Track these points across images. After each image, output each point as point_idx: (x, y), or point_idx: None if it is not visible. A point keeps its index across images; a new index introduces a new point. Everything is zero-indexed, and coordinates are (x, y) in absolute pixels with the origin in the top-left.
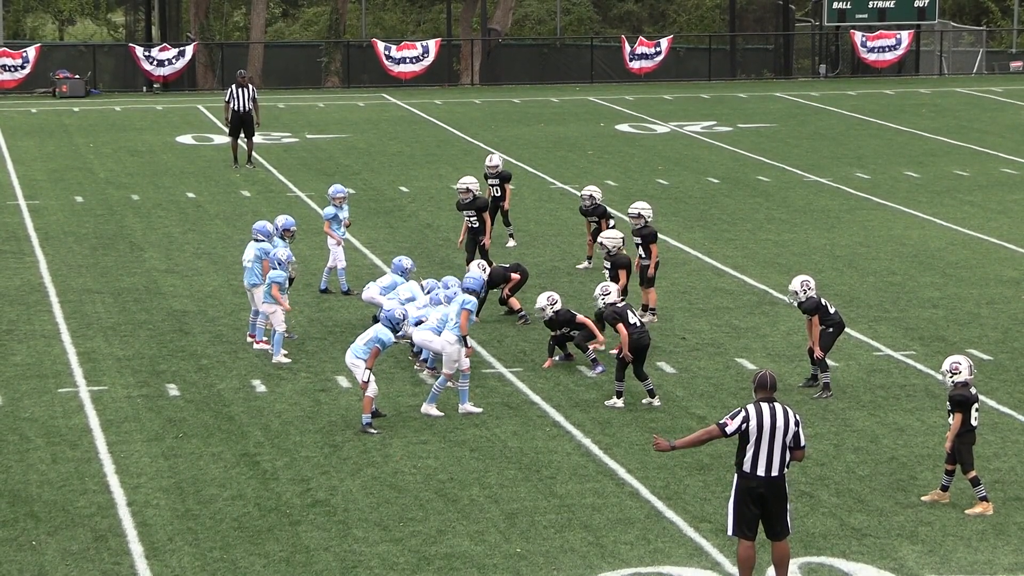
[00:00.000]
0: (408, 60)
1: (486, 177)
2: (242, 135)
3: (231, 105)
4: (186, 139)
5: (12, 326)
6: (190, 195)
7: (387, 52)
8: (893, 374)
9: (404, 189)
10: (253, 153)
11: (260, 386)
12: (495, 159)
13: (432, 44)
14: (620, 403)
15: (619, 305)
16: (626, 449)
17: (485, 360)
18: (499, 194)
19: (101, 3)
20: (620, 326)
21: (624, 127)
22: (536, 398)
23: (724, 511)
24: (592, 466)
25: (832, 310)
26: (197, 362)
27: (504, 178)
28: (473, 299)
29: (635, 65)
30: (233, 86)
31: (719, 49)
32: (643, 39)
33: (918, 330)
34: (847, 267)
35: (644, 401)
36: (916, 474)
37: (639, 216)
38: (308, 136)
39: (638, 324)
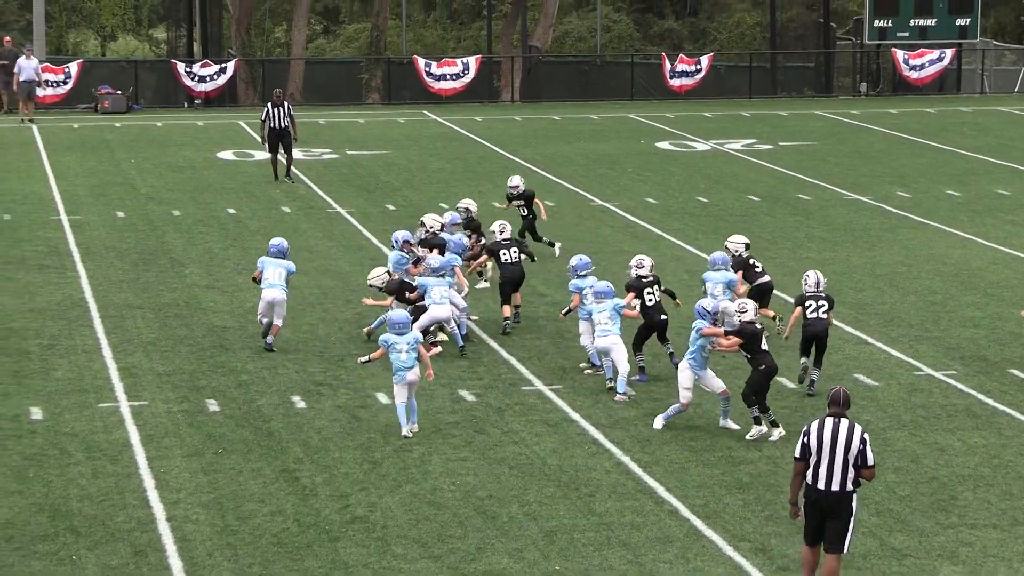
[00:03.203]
0: (449, 77)
1: (510, 199)
2: (280, 150)
3: (267, 124)
4: (227, 155)
5: (54, 341)
6: (231, 211)
7: (428, 69)
8: (934, 394)
9: (444, 206)
10: (292, 168)
11: (300, 402)
12: (516, 179)
13: (472, 61)
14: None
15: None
16: (665, 467)
17: (525, 377)
18: (526, 214)
19: (143, 19)
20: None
21: (664, 145)
22: (575, 416)
23: (763, 530)
24: (631, 484)
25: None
26: (237, 378)
27: (529, 197)
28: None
29: (676, 82)
30: (269, 105)
31: (760, 67)
32: (684, 56)
33: (959, 350)
34: (888, 286)
35: (634, 377)
36: (957, 494)
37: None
38: (349, 152)
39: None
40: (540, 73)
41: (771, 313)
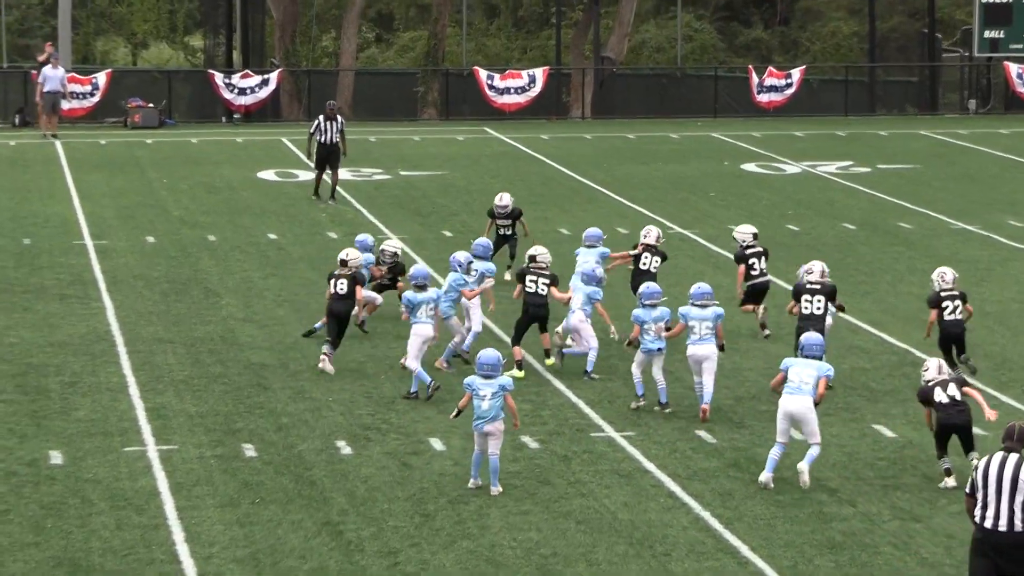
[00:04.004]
0: (512, 90)
1: (494, 217)
2: (327, 168)
3: (316, 137)
4: (268, 175)
5: (76, 378)
6: (272, 236)
7: (490, 81)
8: None
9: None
10: (337, 188)
11: (345, 448)
12: (506, 198)
13: (539, 73)
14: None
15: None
16: (749, 524)
17: (594, 423)
18: (510, 233)
19: (178, 26)
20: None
21: (750, 166)
22: (650, 465)
23: None
24: (711, 542)
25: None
26: (276, 420)
27: (516, 216)
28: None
29: (763, 98)
30: (321, 117)
31: (857, 81)
32: (772, 69)
33: None
34: (998, 324)
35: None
36: None
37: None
38: (401, 172)
39: None
40: (613, 87)
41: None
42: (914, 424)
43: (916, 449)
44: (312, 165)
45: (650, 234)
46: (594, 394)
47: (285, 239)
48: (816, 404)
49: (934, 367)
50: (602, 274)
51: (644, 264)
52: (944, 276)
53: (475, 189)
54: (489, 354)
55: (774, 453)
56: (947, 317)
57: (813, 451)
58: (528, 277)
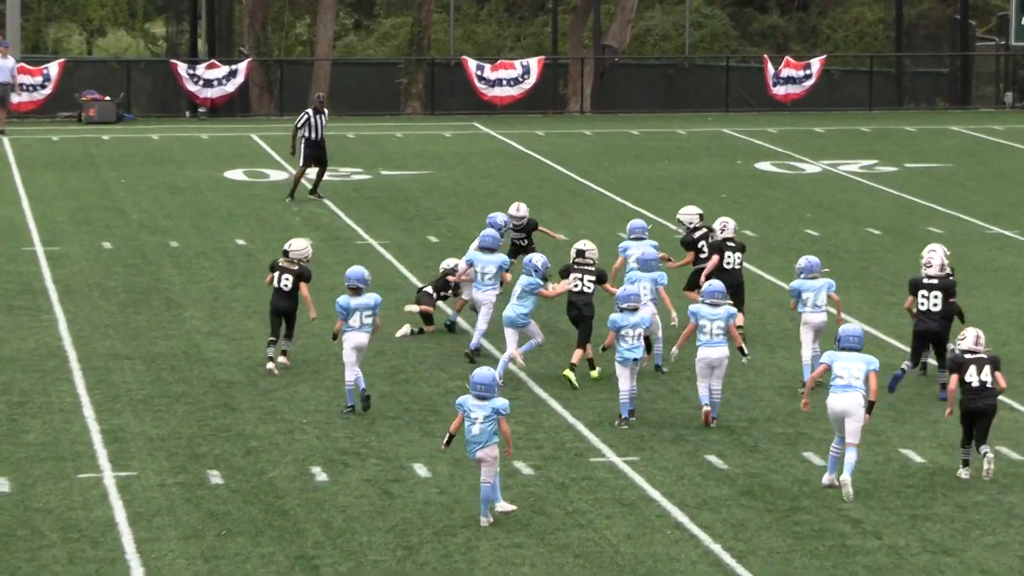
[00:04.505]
0: (505, 82)
1: (512, 228)
2: (313, 166)
3: (303, 133)
4: (236, 174)
5: (25, 398)
6: (240, 242)
7: (479, 72)
8: None
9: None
10: (321, 183)
11: (320, 474)
12: (523, 208)
13: (534, 63)
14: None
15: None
16: (764, 558)
17: (594, 447)
18: (527, 244)
19: (138, 11)
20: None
21: (765, 165)
22: (655, 494)
23: None
24: None
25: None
26: (245, 444)
27: (532, 228)
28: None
29: (780, 91)
30: (310, 111)
31: (882, 72)
32: (790, 59)
33: None
34: None
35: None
36: None
37: None
38: (383, 172)
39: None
40: (615, 78)
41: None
42: (945, 447)
43: (947, 475)
44: (300, 163)
45: (727, 227)
46: (594, 415)
47: (255, 245)
48: (871, 405)
49: (971, 337)
50: (660, 255)
51: (728, 263)
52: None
53: (463, 190)
54: (483, 373)
55: (833, 450)
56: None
57: (851, 456)
58: (574, 274)
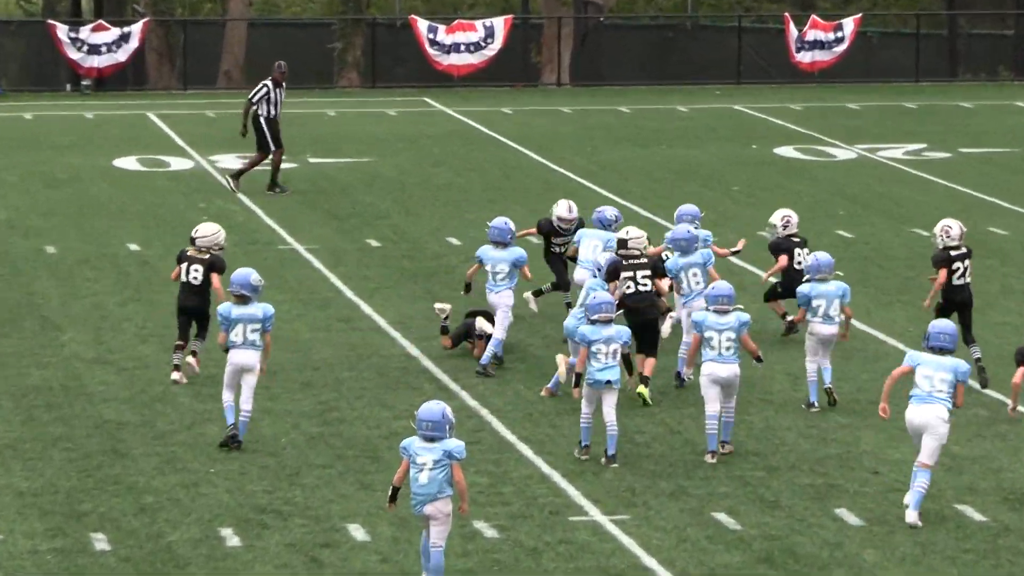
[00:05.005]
0: (463, 47)
1: (552, 232)
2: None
3: (260, 110)
4: (128, 163)
5: None
6: (133, 247)
7: (432, 35)
8: None
9: (455, 241)
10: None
11: (232, 537)
12: (573, 209)
13: (499, 24)
14: None
15: None
16: None
17: (574, 502)
18: (562, 251)
19: None
20: None
21: (787, 151)
22: (650, 561)
23: None
24: None
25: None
26: (138, 500)
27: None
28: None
29: (805, 58)
30: (270, 83)
31: (932, 35)
32: (817, 19)
33: None
34: None
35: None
36: None
37: None
38: (311, 160)
39: None
40: (600, 43)
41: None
42: (1011, 502)
43: (1015, 537)
44: (260, 146)
45: (790, 223)
46: (574, 463)
47: (151, 251)
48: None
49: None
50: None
51: (798, 262)
52: (949, 231)
53: (412, 182)
54: (431, 408)
55: (917, 483)
56: (955, 281)
57: (921, 482)
58: (624, 273)
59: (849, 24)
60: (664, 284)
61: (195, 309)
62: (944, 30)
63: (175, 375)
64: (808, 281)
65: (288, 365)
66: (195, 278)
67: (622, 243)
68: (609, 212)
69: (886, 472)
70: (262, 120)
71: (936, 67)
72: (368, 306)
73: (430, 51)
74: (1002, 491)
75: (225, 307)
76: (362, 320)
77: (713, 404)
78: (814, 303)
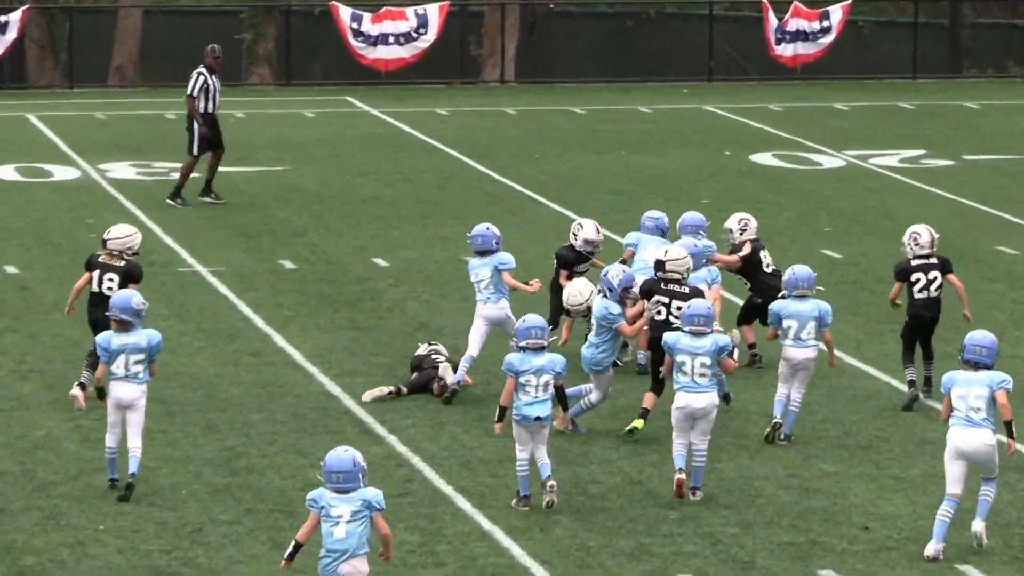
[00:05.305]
0: (392, 39)
1: (582, 258)
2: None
3: (199, 103)
4: (5, 172)
5: None
6: (10, 270)
7: (356, 25)
8: None
9: (381, 263)
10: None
11: None
12: (600, 230)
13: (433, 12)
14: None
15: None
16: None
17: (518, 563)
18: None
19: None
20: None
21: (765, 157)
22: None
23: None
24: None
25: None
26: (17, 562)
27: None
28: None
29: (786, 51)
30: (205, 71)
31: (931, 24)
32: (800, 6)
33: None
34: None
35: None
36: None
37: None
38: (218, 168)
39: None
40: (551, 34)
41: None
42: (1020, 562)
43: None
44: (192, 149)
45: (748, 226)
46: (519, 517)
47: (32, 273)
48: (1010, 427)
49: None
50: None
51: (767, 264)
52: (918, 238)
53: (332, 195)
54: (340, 457)
55: (943, 514)
56: (917, 294)
57: (988, 492)
58: (657, 296)
59: (837, 12)
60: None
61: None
62: (946, 19)
63: (74, 391)
64: (783, 298)
65: (189, 405)
66: (109, 288)
67: (659, 264)
68: (615, 273)
69: (878, 528)
70: (198, 115)
71: (937, 61)
72: (281, 337)
73: (354, 43)
74: (1010, 549)
75: (105, 337)
76: (275, 354)
77: (682, 436)
78: (785, 323)
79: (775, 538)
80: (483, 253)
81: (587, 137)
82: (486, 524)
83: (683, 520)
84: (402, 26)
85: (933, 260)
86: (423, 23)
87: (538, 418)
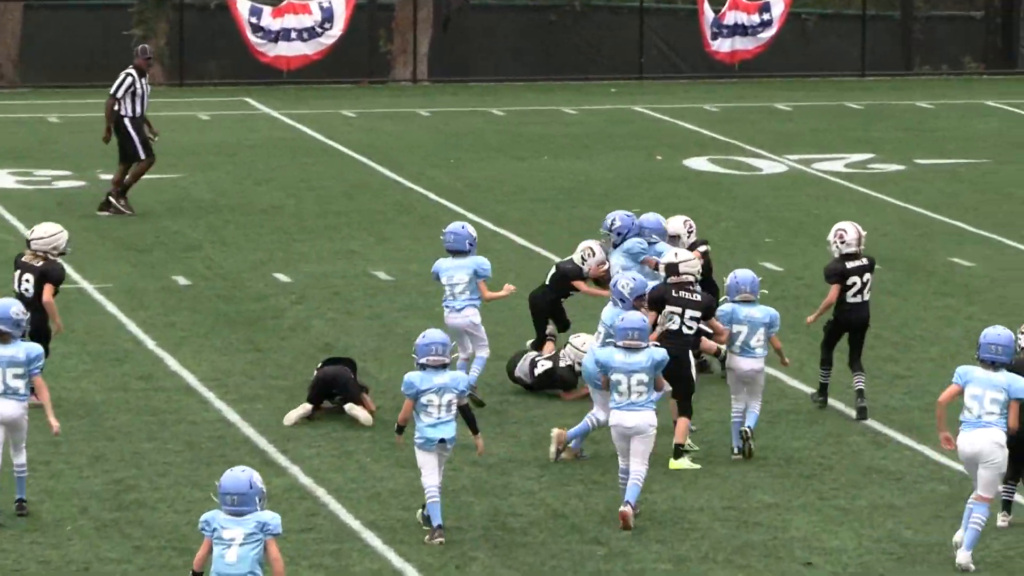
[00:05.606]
0: (295, 34)
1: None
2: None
3: (126, 110)
4: None
5: None
6: None
7: (255, 19)
8: None
9: (283, 278)
10: (116, 188)
11: None
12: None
13: (339, 5)
14: None
15: None
16: None
17: None
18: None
19: None
20: None
21: (700, 162)
22: None
23: None
24: None
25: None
26: None
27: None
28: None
29: (723, 46)
30: (134, 72)
31: (881, 17)
32: None
33: None
34: None
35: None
36: None
37: None
38: (104, 176)
39: None
40: (467, 29)
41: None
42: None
43: None
44: (138, 152)
45: (693, 228)
46: (432, 555)
47: None
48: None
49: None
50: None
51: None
52: (844, 235)
53: (229, 204)
54: (236, 477)
55: (972, 519)
56: (851, 298)
57: (977, 517)
58: (670, 307)
59: (778, 4)
60: (720, 326)
61: (36, 329)
62: (897, 12)
63: None
64: (727, 302)
65: (74, 434)
66: (27, 289)
67: (672, 268)
68: (624, 281)
69: (821, 563)
70: (127, 121)
71: (887, 58)
72: (175, 360)
73: (253, 39)
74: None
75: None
76: (167, 378)
77: (624, 458)
78: (735, 328)
79: (711, 575)
80: (455, 253)
81: (507, 141)
82: (397, 561)
83: (611, 556)
84: (305, 20)
85: (864, 261)
86: (328, 17)
87: (442, 440)
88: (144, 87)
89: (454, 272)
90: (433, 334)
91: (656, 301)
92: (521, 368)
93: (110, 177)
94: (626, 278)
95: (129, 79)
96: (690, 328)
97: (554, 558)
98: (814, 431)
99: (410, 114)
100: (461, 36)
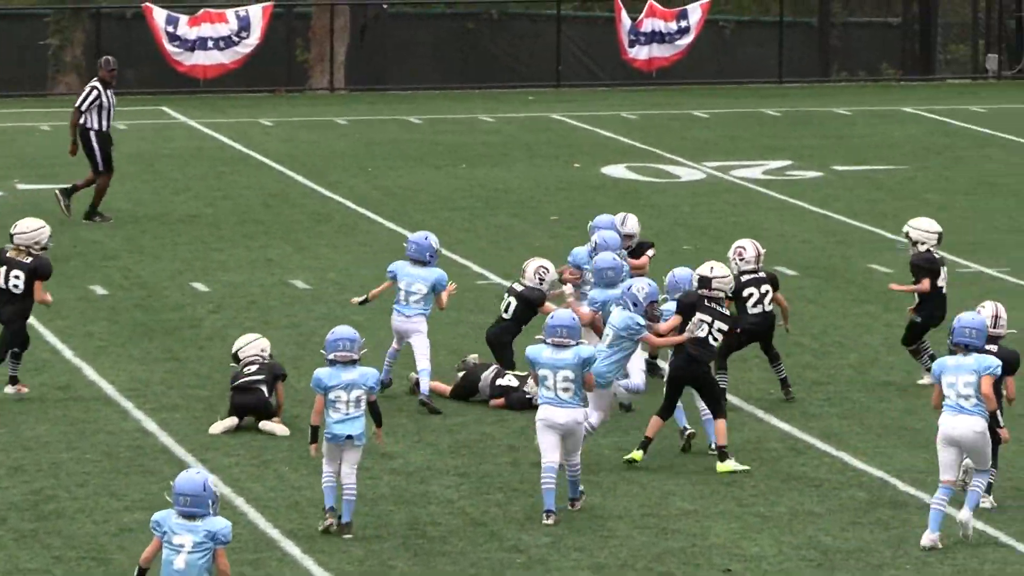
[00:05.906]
0: (211, 43)
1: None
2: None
3: (91, 122)
4: None
5: None
6: None
7: (171, 28)
8: None
9: (201, 287)
10: (76, 197)
11: None
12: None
13: (256, 14)
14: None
15: None
16: None
17: None
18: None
19: None
20: None
21: (618, 170)
22: None
23: None
24: None
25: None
26: None
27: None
28: None
29: (640, 54)
30: (99, 85)
31: (798, 24)
32: (655, 4)
33: None
34: None
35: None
36: None
37: None
38: (20, 186)
39: None
40: (384, 37)
41: None
42: None
43: None
44: (98, 165)
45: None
46: (353, 563)
47: None
48: (996, 415)
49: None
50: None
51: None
52: (743, 252)
53: (148, 214)
54: (190, 479)
55: (937, 501)
56: (751, 309)
57: (978, 482)
58: (701, 315)
59: (695, 11)
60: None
61: (12, 319)
62: (814, 18)
63: (8, 389)
64: (667, 300)
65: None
66: (15, 285)
67: (704, 281)
68: (639, 286)
69: (740, 571)
70: (92, 134)
71: (804, 64)
72: (92, 370)
73: (169, 48)
74: None
75: None
76: (85, 387)
77: (550, 454)
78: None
79: None
80: (416, 262)
81: (424, 149)
82: (316, 570)
83: (530, 563)
84: (222, 29)
85: (762, 274)
86: (245, 26)
87: (349, 436)
88: (110, 99)
89: (414, 281)
90: (342, 330)
91: (688, 307)
92: (485, 379)
93: (27, 187)
94: (641, 282)
95: (95, 92)
96: (715, 339)
97: (473, 566)
98: (732, 438)
99: (327, 123)
100: (378, 45)
